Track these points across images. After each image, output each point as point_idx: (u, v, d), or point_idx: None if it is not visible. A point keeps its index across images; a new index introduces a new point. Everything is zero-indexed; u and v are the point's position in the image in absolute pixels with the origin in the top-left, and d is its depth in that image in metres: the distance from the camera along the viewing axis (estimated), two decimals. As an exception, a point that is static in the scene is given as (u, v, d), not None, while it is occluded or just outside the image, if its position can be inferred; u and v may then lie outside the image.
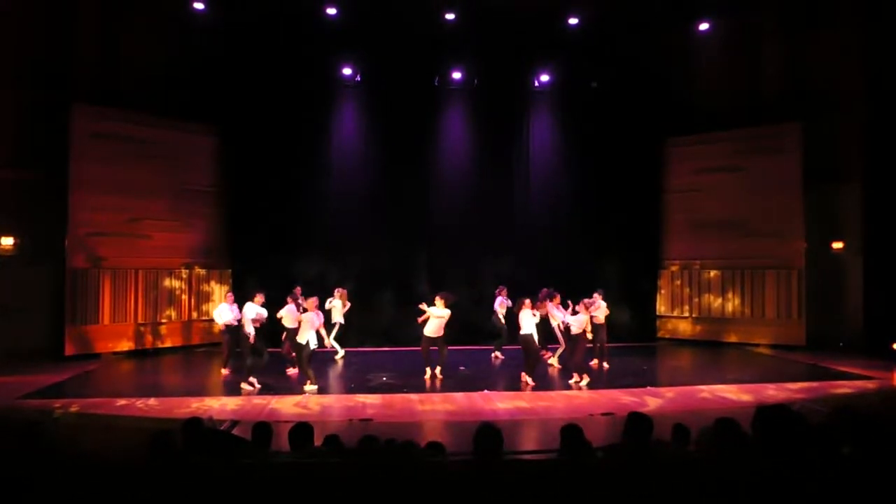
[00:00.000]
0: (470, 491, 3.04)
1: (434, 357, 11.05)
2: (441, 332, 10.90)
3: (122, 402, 9.31)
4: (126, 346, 13.52)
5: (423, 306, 10.95)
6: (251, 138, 14.54)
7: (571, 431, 4.23)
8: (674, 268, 15.67)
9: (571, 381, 10.33)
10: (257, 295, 10.88)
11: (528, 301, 10.61)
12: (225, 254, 14.94)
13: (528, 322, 10.44)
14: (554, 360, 11.98)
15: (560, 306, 11.50)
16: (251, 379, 10.18)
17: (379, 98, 15.12)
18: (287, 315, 10.96)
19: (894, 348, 12.20)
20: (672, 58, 15.17)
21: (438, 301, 10.85)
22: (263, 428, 4.77)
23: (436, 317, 10.78)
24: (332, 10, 13.94)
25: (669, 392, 10.03)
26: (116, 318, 13.47)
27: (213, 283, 14.81)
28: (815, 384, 10.40)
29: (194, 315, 14.51)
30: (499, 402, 9.31)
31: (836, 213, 14.21)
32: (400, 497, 3.05)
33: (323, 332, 10.55)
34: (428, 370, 11.03)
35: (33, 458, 3.75)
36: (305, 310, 10.21)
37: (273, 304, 11.16)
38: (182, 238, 14.42)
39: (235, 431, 6.78)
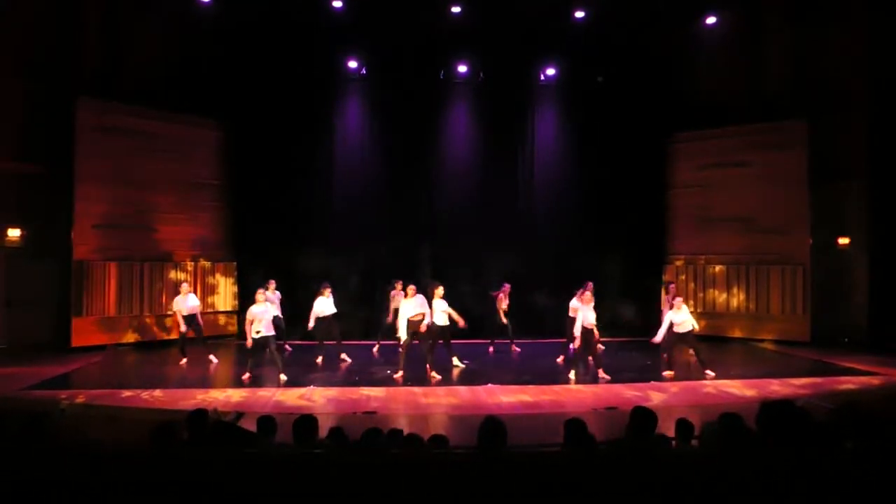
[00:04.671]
0: (473, 484, 3.05)
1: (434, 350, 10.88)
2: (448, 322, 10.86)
3: (127, 393, 9.36)
4: (131, 337, 13.59)
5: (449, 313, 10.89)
6: (256, 132, 14.55)
7: (575, 425, 4.23)
8: (679, 263, 15.63)
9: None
10: (325, 288, 11.69)
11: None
12: (230, 247, 14.99)
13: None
14: None
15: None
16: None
17: (384, 91, 15.11)
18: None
19: (899, 345, 12.17)
20: (678, 53, 15.10)
21: (438, 290, 10.77)
22: (267, 421, 4.82)
23: (442, 311, 10.74)
24: (337, 3, 13.93)
25: (673, 387, 10.02)
26: (122, 310, 13.53)
27: (218, 276, 14.87)
28: (819, 380, 10.37)
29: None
30: (502, 396, 9.31)
31: (841, 209, 14.16)
32: (403, 489, 3.06)
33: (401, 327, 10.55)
34: (428, 368, 10.56)
35: (39, 448, 3.78)
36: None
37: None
38: (187, 231, 14.47)
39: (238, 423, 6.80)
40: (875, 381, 10.37)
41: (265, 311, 10.27)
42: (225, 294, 14.93)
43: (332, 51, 14.72)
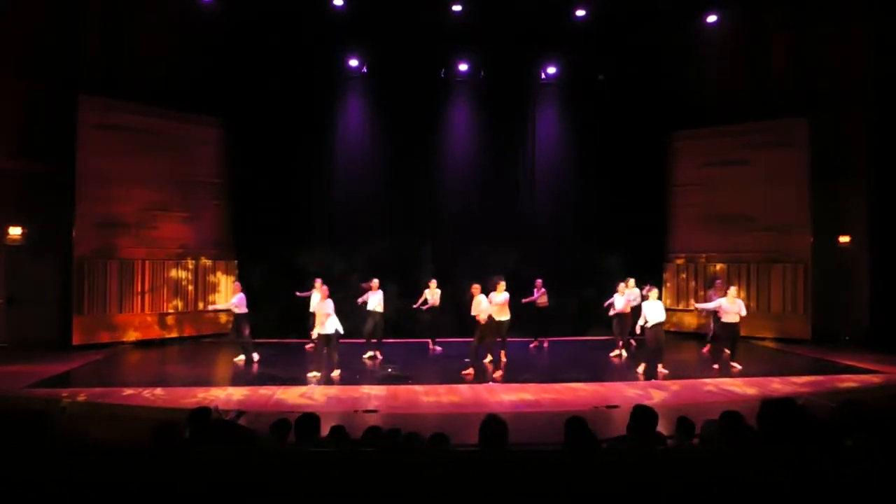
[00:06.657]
0: (475, 482, 3.05)
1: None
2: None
3: (129, 391, 9.37)
4: (133, 336, 13.60)
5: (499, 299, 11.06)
6: (257, 130, 14.55)
7: (576, 423, 4.23)
8: (679, 261, 15.63)
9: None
10: (374, 281, 12.20)
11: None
12: (231, 245, 15.00)
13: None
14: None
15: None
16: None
17: (385, 89, 15.10)
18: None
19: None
20: (679, 50, 15.11)
21: (501, 284, 11.03)
22: (283, 424, 4.86)
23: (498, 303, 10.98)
24: (338, 1, 13.92)
25: (674, 385, 10.02)
26: (124, 309, 13.55)
27: (219, 274, 14.88)
28: (820, 378, 10.37)
29: (200, 305, 14.57)
30: (504, 395, 9.32)
31: (842, 207, 14.14)
32: (404, 488, 3.06)
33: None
34: (490, 357, 11.34)
35: (40, 447, 3.78)
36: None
37: (281, 294, 11.31)
38: (188, 229, 14.48)
39: (238, 421, 6.80)
40: (876, 379, 10.38)
41: None
42: (226, 292, 14.89)
43: (333, 49, 14.72)
